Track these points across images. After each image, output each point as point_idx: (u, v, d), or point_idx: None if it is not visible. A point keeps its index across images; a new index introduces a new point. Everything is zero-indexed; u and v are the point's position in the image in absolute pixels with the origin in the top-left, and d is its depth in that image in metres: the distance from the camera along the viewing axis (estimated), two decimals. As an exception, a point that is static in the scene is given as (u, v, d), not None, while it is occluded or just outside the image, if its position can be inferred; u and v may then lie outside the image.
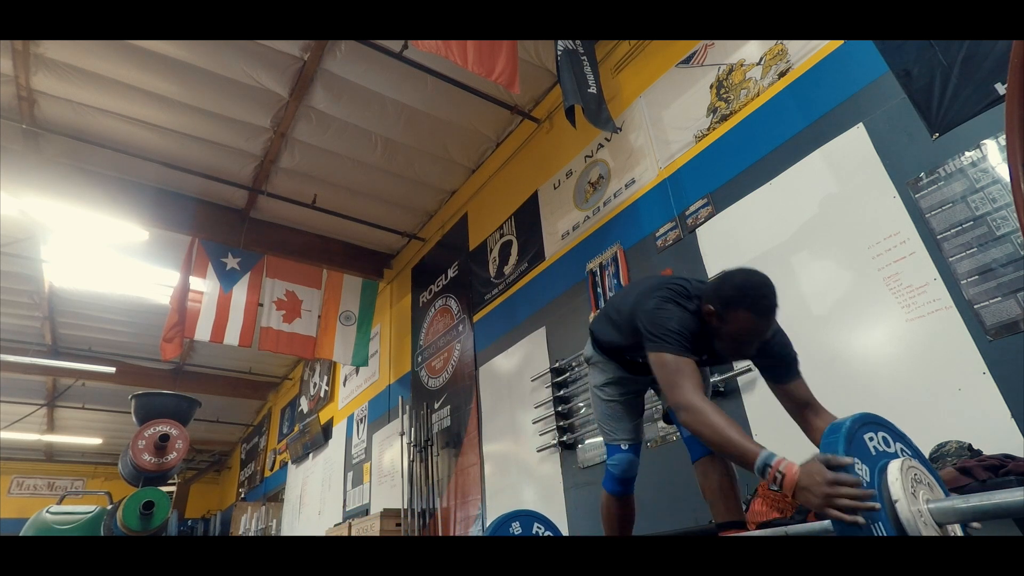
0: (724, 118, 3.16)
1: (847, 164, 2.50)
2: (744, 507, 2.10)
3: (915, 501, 1.04)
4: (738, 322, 1.55)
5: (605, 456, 2.04)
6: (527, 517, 2.26)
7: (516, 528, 2.22)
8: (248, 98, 4.47)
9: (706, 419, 1.39)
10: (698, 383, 1.50)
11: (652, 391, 2.13)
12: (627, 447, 1.99)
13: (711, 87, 3.28)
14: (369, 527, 4.88)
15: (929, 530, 1.03)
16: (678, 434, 2.82)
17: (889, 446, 1.16)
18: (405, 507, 4.82)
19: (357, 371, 7.03)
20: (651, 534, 2.71)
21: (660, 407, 2.34)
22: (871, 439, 1.13)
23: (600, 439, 2.66)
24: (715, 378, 2.76)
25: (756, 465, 1.24)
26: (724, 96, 3.19)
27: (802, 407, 1.67)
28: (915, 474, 1.10)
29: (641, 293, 1.75)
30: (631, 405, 2.04)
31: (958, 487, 1.57)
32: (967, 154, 2.11)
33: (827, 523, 1.19)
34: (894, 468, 1.07)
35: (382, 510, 4.84)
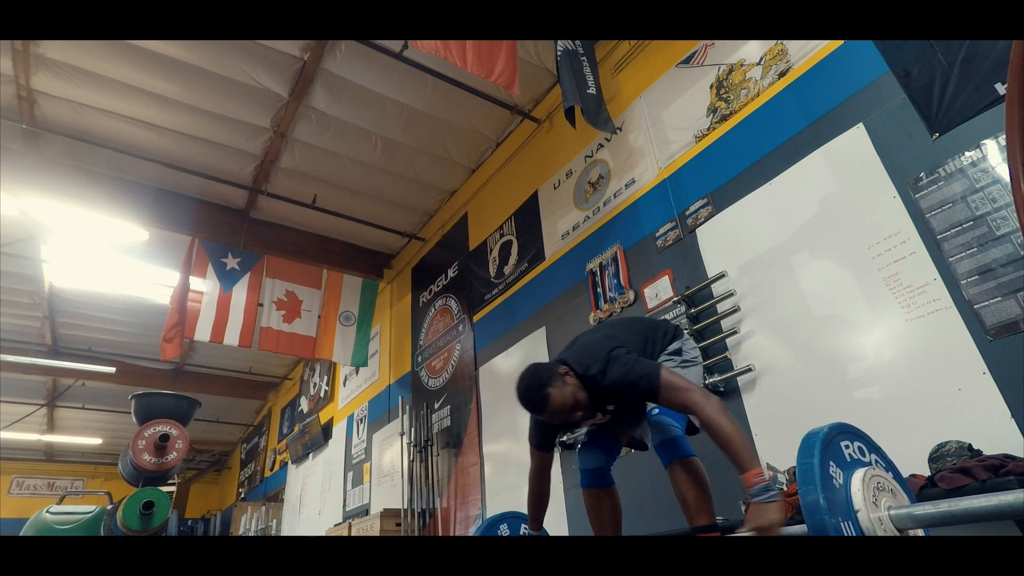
0: (724, 118, 3.16)
1: (847, 164, 2.50)
2: (744, 507, 2.10)
3: (875, 509, 1.14)
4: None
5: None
6: (515, 519, 2.26)
7: (504, 530, 2.22)
8: (248, 98, 4.47)
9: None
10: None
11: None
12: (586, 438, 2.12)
13: (711, 87, 3.28)
14: (369, 527, 4.88)
15: (888, 535, 1.11)
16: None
17: (864, 455, 1.25)
18: (405, 507, 4.82)
19: (357, 371, 7.03)
20: (650, 534, 2.71)
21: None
22: (847, 447, 1.23)
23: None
24: (715, 378, 2.77)
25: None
26: (724, 96, 3.19)
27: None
28: (878, 483, 1.18)
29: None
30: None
31: (958, 487, 1.57)
32: (967, 154, 2.11)
33: None
34: (856, 479, 1.17)
35: (382, 510, 4.85)
